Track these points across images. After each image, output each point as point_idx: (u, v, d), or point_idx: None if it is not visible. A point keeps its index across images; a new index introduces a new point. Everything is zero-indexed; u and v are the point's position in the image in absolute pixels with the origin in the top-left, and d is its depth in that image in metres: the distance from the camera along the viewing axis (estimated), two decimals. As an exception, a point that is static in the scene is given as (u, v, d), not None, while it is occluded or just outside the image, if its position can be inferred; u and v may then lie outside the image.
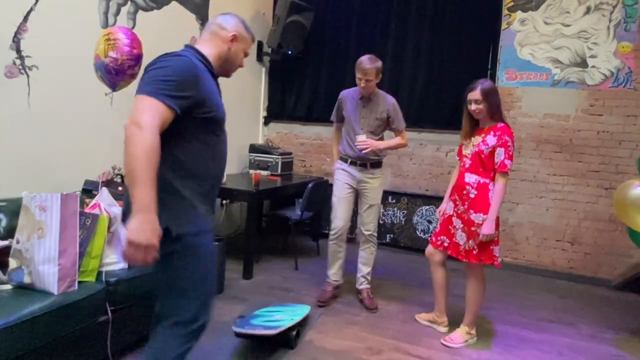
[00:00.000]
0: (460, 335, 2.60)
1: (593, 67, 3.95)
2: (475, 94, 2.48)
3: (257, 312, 2.58)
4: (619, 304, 3.48)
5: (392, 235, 4.62)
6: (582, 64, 3.99)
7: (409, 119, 4.63)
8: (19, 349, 1.56)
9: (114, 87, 2.20)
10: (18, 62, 2.40)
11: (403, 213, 4.58)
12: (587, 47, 3.97)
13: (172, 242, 1.33)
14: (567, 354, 2.58)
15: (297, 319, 2.45)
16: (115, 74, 2.12)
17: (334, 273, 3.16)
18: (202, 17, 3.91)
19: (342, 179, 3.09)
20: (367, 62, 2.85)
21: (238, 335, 2.31)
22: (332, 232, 3.11)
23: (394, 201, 4.61)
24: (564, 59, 4.04)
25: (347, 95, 3.08)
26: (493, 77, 4.29)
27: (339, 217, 3.08)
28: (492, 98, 2.47)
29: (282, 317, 2.44)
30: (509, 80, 4.23)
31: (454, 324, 2.73)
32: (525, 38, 4.17)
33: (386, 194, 4.62)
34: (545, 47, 4.10)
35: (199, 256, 1.41)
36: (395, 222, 4.61)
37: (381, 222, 4.63)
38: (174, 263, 1.38)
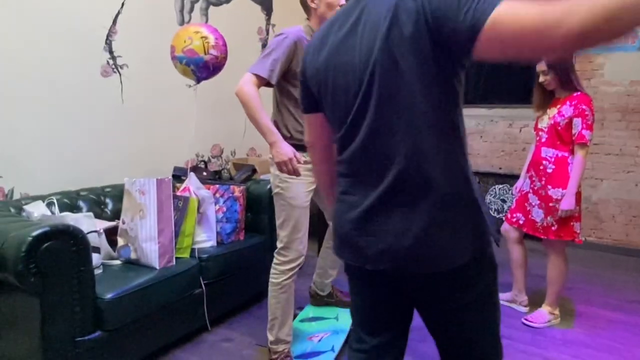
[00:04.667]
0: (543, 314, 2.53)
1: (690, 25, 3.56)
2: (541, 65, 2.40)
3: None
4: None
5: (463, 216, 4.52)
6: (677, 23, 3.60)
7: (477, 95, 4.50)
8: (130, 316, 1.78)
9: (200, 80, 2.37)
10: (111, 62, 2.65)
11: (474, 193, 4.46)
12: (683, 3, 3.58)
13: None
14: (662, 337, 2.42)
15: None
16: (212, 70, 2.29)
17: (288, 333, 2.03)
18: (267, 8, 4.03)
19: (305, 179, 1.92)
20: None
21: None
22: (292, 265, 1.94)
23: (464, 181, 4.50)
24: (654, 19, 3.68)
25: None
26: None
27: (305, 240, 1.98)
28: (559, 67, 2.35)
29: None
30: (589, 47, 3.93)
31: (534, 304, 2.65)
32: None
33: (456, 173, 4.52)
34: (633, 7, 3.75)
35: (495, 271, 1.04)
36: (466, 202, 4.50)
37: (451, 202, 4.55)
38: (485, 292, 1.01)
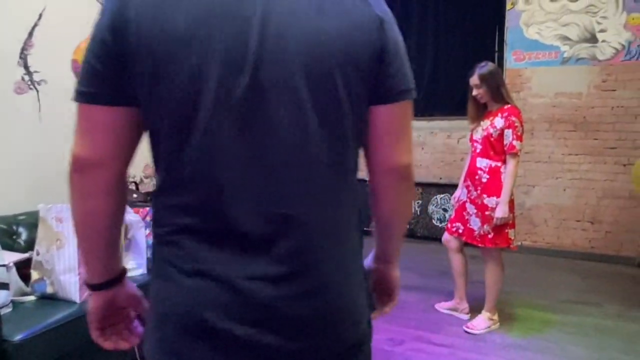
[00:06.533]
0: (483, 321, 2.58)
1: (603, 41, 3.86)
2: (473, 79, 2.50)
3: None
4: (645, 282, 3.41)
5: (408, 227, 4.60)
6: (592, 39, 3.90)
7: (417, 108, 4.61)
8: (46, 357, 1.59)
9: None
10: (27, 77, 2.44)
11: (418, 203, 4.56)
12: (595, 21, 3.88)
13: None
14: (593, 335, 2.54)
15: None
16: None
17: None
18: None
19: None
20: None
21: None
22: None
23: (407, 191, 4.58)
24: (572, 35, 3.96)
25: None
26: (501, 59, 4.23)
27: None
28: (490, 81, 2.46)
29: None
30: (517, 62, 4.17)
31: (475, 310, 2.70)
32: (531, 17, 4.09)
33: (399, 184, 4.60)
34: (553, 24, 4.02)
35: None
36: (410, 212, 4.58)
37: (396, 213, 4.61)
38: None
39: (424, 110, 4.55)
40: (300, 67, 0.64)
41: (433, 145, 4.55)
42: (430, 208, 4.51)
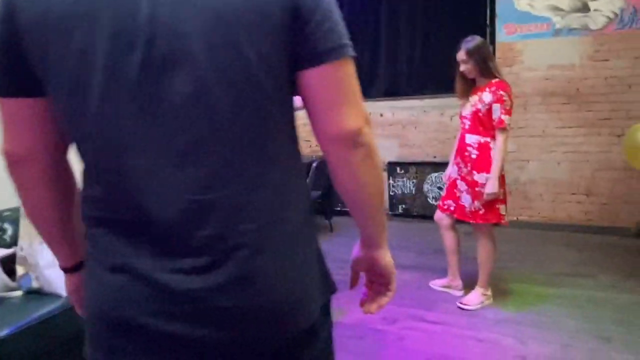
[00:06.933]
0: (476, 296, 2.58)
1: (595, 10, 3.78)
2: (460, 54, 2.46)
3: None
4: (640, 252, 3.40)
5: (404, 206, 4.59)
6: (584, 8, 3.82)
7: (410, 86, 4.57)
8: (32, 351, 1.60)
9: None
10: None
11: (413, 183, 4.53)
12: (587, -11, 3.80)
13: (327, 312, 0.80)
14: (586, 307, 2.54)
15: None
16: None
17: None
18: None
19: None
20: None
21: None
22: None
23: (402, 171, 4.56)
24: (564, 5, 3.88)
25: None
26: (493, 33, 4.15)
27: None
28: (477, 56, 2.41)
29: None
30: (508, 35, 4.09)
31: (470, 287, 2.70)
32: (522, -12, 4.00)
33: (394, 165, 4.58)
34: (543, -6, 3.93)
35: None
36: (405, 192, 4.57)
37: (392, 193, 4.60)
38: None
39: (415, 88, 4.50)
40: (200, 37, 0.57)
41: (426, 124, 4.50)
42: (425, 187, 4.48)
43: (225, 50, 0.58)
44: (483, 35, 4.20)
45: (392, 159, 4.62)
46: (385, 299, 0.86)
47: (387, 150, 4.63)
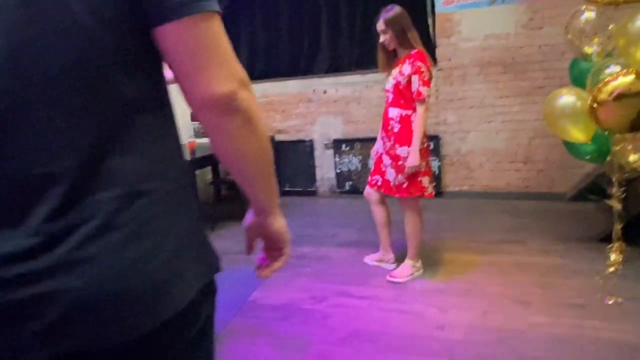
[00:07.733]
0: (405, 269, 2.60)
1: (528, -23, 3.78)
2: (379, 25, 2.41)
3: None
4: (573, 216, 3.50)
5: (351, 183, 4.58)
6: (516, -25, 3.81)
7: (352, 63, 4.50)
8: None
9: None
10: None
11: (358, 159, 4.52)
12: (518, -44, 3.78)
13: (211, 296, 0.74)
14: (512, 272, 2.60)
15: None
16: None
17: None
18: None
19: None
20: None
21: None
22: None
23: (348, 148, 4.54)
24: (497, -27, 3.86)
25: None
26: (432, 4, 4.11)
27: None
28: (396, 25, 2.36)
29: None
30: (445, 5, 4.06)
31: (403, 260, 2.72)
32: (456, -43, 3.95)
33: (339, 141, 4.55)
34: (477, -37, 3.90)
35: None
36: (351, 169, 4.56)
37: (338, 171, 4.58)
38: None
39: (358, 63, 4.44)
40: None
41: (369, 99, 4.46)
42: (370, 163, 4.46)
43: (53, 15, 0.52)
44: (423, 6, 4.16)
45: (338, 136, 4.59)
46: (278, 263, 0.85)
47: (332, 128, 4.59)
